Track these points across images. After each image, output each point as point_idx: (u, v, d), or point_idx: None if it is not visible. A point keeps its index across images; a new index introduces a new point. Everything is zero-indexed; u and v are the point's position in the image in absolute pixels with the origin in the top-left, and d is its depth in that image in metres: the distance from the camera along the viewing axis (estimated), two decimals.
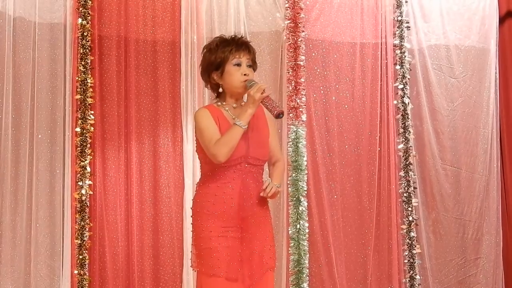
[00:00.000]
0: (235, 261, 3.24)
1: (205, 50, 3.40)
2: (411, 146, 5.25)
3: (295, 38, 5.07)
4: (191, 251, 3.40)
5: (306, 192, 4.98)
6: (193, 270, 3.36)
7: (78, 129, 4.69)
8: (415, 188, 5.24)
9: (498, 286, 5.41)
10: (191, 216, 3.38)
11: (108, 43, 4.86)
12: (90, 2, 4.77)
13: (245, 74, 3.30)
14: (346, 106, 5.23)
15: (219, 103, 3.39)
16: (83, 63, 4.73)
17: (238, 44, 3.34)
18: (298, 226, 4.92)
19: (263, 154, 3.37)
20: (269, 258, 3.33)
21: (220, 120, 3.30)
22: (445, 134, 5.38)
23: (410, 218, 5.19)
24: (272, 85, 5.07)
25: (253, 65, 3.39)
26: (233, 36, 3.42)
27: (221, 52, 3.32)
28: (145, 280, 4.80)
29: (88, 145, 4.70)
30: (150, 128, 4.90)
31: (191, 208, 3.40)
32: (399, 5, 5.31)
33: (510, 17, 5.64)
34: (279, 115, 3.20)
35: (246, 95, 3.33)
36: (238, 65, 3.31)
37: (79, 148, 4.68)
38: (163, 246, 4.85)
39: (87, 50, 4.74)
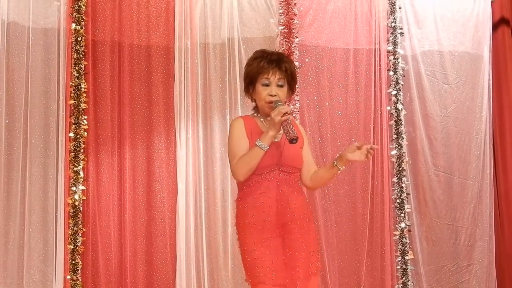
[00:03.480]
0: (280, 267, 3.23)
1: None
2: (404, 152, 5.26)
3: (289, 44, 5.08)
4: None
5: None
6: (247, 283, 3.35)
7: (71, 134, 4.70)
8: (408, 194, 5.25)
9: None
10: (236, 233, 3.37)
11: (102, 48, 4.86)
12: (84, 7, 4.78)
13: (270, 95, 3.29)
14: (339, 112, 5.23)
15: (255, 114, 3.42)
16: (76, 68, 4.73)
17: (269, 61, 3.32)
18: None
19: (296, 162, 3.37)
20: (313, 263, 3.31)
21: (253, 132, 3.31)
22: (438, 140, 5.39)
23: (403, 224, 5.19)
24: None
25: (289, 82, 3.35)
26: (269, 51, 3.39)
27: (254, 68, 3.33)
28: (138, 286, 4.79)
29: (82, 150, 4.71)
30: (144, 134, 4.90)
31: (234, 225, 3.41)
32: (392, 11, 5.33)
33: (503, 23, 5.65)
34: (291, 141, 3.15)
35: None
36: (267, 85, 3.31)
37: (72, 153, 4.68)
38: (156, 251, 4.85)
39: (80, 55, 4.75)
